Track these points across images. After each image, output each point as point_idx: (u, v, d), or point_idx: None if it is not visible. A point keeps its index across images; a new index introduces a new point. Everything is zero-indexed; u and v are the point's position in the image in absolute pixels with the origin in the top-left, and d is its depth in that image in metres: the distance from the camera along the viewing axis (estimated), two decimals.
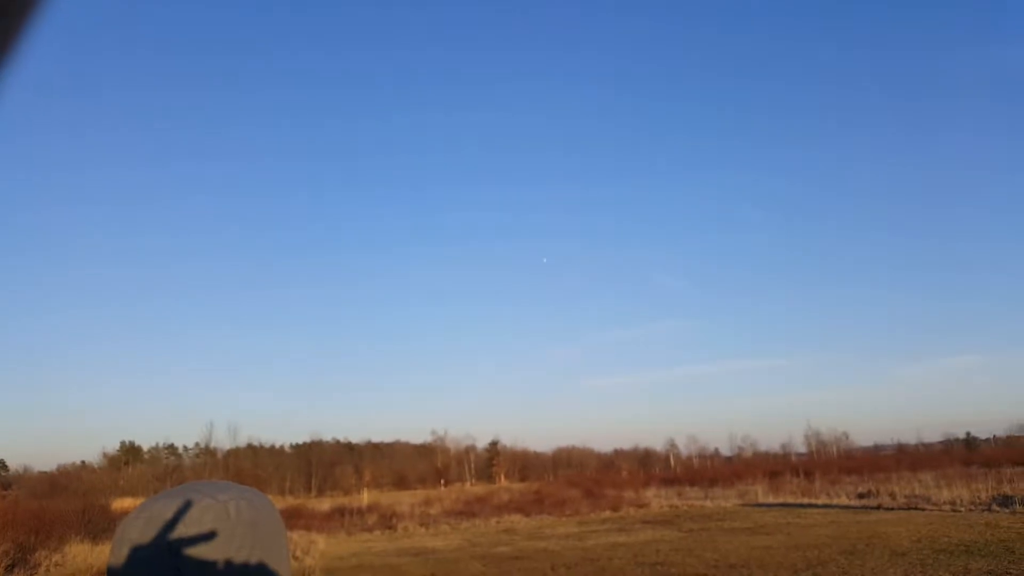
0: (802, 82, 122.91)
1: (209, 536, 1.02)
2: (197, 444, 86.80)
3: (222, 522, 1.03)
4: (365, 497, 46.85)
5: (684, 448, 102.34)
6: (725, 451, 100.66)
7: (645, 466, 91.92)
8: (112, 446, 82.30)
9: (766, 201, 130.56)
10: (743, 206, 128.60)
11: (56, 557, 18.34)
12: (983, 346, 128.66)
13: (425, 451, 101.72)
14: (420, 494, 50.25)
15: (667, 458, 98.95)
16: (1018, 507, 22.04)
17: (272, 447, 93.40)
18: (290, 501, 53.13)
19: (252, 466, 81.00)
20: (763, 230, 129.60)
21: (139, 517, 1.03)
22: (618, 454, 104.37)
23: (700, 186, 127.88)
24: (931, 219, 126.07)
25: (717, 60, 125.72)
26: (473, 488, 66.28)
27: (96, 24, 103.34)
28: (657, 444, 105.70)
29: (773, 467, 54.27)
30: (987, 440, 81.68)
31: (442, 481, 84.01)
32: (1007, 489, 26.38)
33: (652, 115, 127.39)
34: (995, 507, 22.70)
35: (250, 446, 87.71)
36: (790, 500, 32.72)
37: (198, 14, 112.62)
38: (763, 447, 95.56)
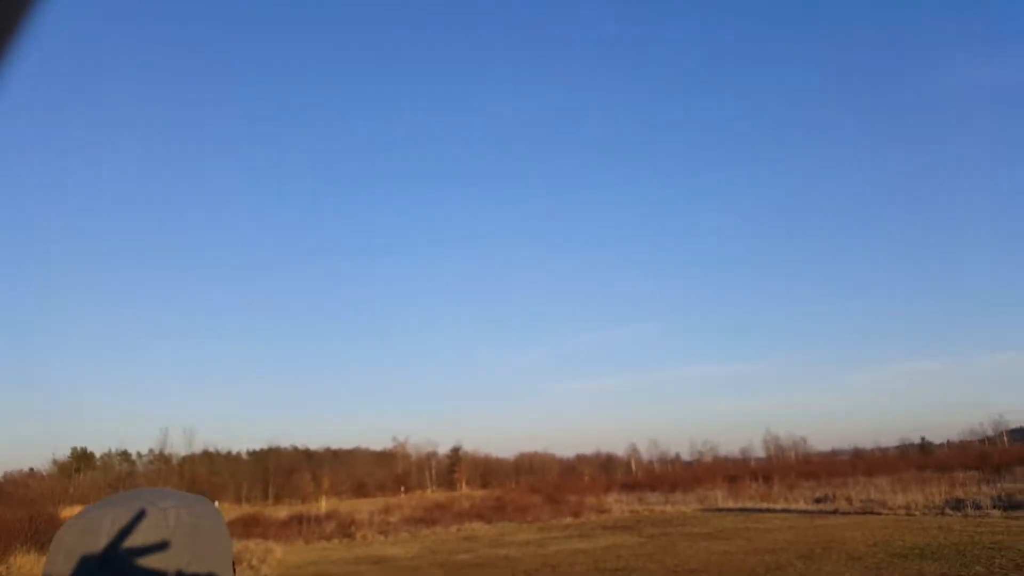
0: (770, 89, 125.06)
1: (148, 544, 0.99)
2: (152, 450, 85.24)
3: (161, 530, 1.00)
4: (323, 505, 46.21)
5: (646, 453, 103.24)
6: (686, 456, 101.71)
7: (607, 471, 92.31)
8: (63, 452, 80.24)
9: (729, 207, 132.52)
10: (708, 212, 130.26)
11: (0, 568, 17.73)
12: (938, 352, 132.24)
13: (385, 458, 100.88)
14: (380, 501, 49.68)
15: (629, 463, 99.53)
16: (970, 510, 22.52)
17: (229, 454, 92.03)
18: (246, 509, 52.16)
19: (208, 473, 79.69)
20: (726, 236, 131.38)
21: (76, 525, 1.01)
22: (580, 459, 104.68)
23: (666, 191, 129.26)
24: (889, 227, 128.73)
25: (688, 65, 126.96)
26: (434, 495, 65.76)
27: (94, 22, 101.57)
28: (619, 449, 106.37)
29: (733, 472, 54.78)
30: (941, 445, 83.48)
31: (402, 488, 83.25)
32: (959, 493, 26.98)
33: (621, 120, 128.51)
34: (948, 511, 23.16)
35: (206, 452, 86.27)
36: (749, 505, 33.04)
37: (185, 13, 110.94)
38: (723, 452, 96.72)
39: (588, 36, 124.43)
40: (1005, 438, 78.75)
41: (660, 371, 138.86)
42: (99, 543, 0.97)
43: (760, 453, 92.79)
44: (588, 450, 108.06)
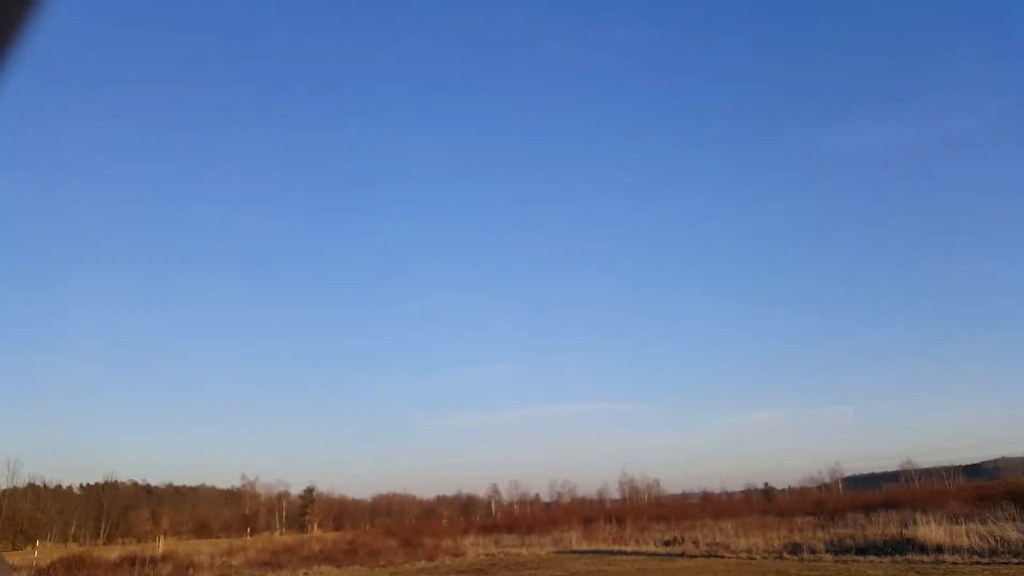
0: (634, 144, 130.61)
1: None
2: None
3: None
4: (160, 545, 42.97)
5: (506, 494, 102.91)
6: (546, 496, 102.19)
7: (467, 513, 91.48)
8: None
9: (591, 254, 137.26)
10: (569, 258, 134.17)
11: None
12: (784, 401, 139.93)
13: (232, 497, 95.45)
14: (223, 543, 46.83)
15: (489, 504, 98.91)
16: (805, 554, 23.58)
17: (58, 487, 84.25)
18: (73, 548, 47.81)
19: (32, 508, 72.66)
20: (586, 281, 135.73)
21: None
22: (440, 501, 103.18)
23: (528, 237, 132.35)
24: (743, 283, 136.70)
25: (559, 121, 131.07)
26: (282, 537, 62.76)
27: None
28: (481, 490, 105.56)
29: (588, 513, 55.44)
30: (783, 490, 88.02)
31: (249, 530, 78.85)
32: (797, 537, 28.26)
33: (502, 163, 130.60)
34: (786, 554, 24.15)
35: (31, 486, 78.57)
36: (602, 547, 33.36)
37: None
38: (581, 493, 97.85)
39: (454, 89, 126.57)
40: (840, 485, 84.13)
41: (522, 410, 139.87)
42: None
43: (616, 494, 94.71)
44: (449, 491, 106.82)
